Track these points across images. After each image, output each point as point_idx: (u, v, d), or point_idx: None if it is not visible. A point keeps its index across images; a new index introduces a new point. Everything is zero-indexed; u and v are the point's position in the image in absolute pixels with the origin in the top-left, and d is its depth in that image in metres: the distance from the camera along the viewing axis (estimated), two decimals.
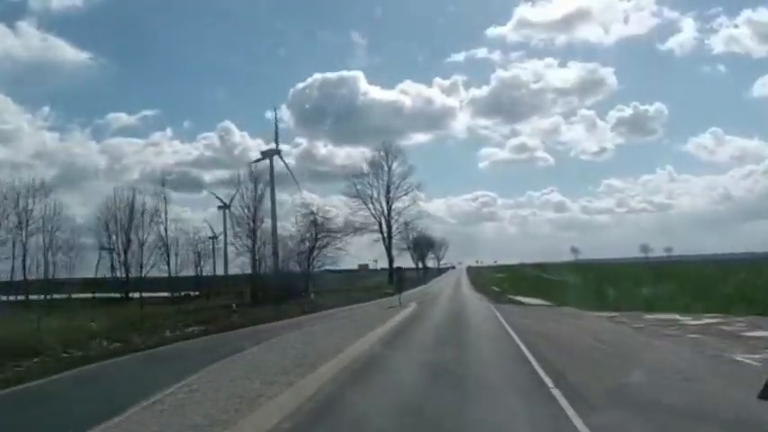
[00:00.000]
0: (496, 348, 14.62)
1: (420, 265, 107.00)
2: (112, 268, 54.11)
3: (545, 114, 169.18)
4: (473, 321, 24.82)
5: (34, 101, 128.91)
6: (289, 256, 53.36)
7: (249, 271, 53.25)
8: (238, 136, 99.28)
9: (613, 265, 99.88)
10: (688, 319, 20.19)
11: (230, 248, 56.52)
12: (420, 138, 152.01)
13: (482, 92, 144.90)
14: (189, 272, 59.11)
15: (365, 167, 70.06)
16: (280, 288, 46.86)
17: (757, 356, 11.60)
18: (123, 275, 54.26)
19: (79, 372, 14.00)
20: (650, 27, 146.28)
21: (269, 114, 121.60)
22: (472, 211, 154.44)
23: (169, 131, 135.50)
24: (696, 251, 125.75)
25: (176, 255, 55.29)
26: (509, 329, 18.45)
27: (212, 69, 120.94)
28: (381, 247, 71.50)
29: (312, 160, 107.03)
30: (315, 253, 53.30)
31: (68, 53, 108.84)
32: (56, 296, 51.59)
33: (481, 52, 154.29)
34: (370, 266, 77.24)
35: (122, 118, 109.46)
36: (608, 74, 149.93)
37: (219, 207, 57.94)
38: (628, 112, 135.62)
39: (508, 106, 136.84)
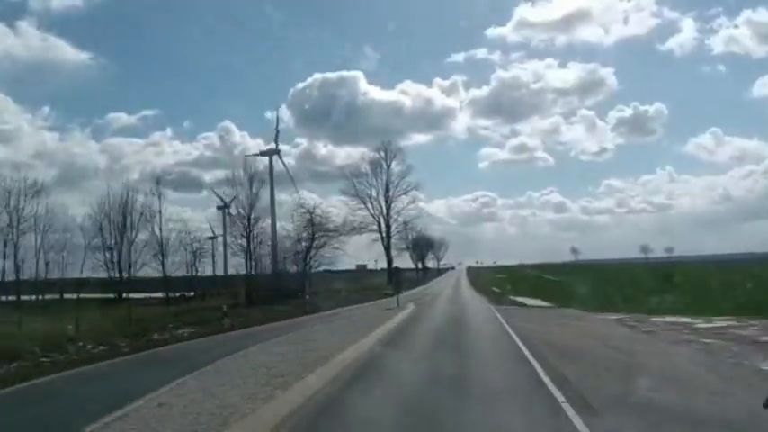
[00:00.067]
0: (499, 356, 13.57)
1: (419, 266, 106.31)
2: (107, 268, 53.05)
3: (545, 115, 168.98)
4: (473, 323, 23.96)
5: (34, 101, 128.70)
6: (285, 255, 52.41)
7: (250, 271, 52.34)
8: (238, 136, 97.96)
9: (614, 266, 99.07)
10: (699, 323, 19.27)
11: (228, 249, 55.75)
12: (420, 138, 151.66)
13: (482, 92, 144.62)
14: (187, 272, 58.45)
15: (364, 167, 69.12)
16: (275, 289, 45.89)
17: None
18: (117, 276, 53.22)
19: (51, 380, 13.03)
20: (650, 27, 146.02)
21: (269, 114, 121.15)
22: (472, 211, 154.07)
23: (169, 131, 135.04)
24: (696, 251, 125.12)
25: (170, 255, 54.58)
26: (512, 333, 17.49)
27: (212, 69, 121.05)
28: (380, 248, 70.62)
29: (312, 160, 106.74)
30: (312, 253, 52.27)
31: (68, 53, 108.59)
32: (48, 296, 50.82)
33: (481, 53, 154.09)
34: (370, 267, 76.54)
35: (122, 118, 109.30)
36: (608, 74, 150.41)
37: (219, 207, 57.03)
38: (628, 112, 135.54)
39: (508, 107, 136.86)
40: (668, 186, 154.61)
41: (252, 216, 50.62)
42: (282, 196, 60.83)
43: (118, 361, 16.23)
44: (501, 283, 72.21)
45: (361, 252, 79.20)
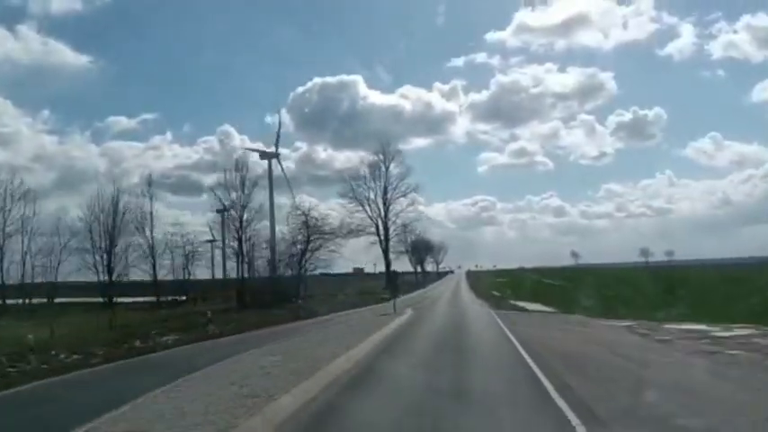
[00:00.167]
0: (503, 370, 12.08)
1: (418, 269, 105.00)
2: (96, 271, 51.56)
3: (544, 119, 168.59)
4: (473, 330, 22.70)
5: (34, 104, 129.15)
6: (280, 259, 50.97)
7: (242, 275, 50.86)
8: (238, 140, 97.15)
9: (614, 270, 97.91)
10: (717, 331, 17.92)
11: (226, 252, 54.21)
12: (420, 142, 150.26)
13: (482, 96, 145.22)
14: (180, 276, 57.02)
15: (363, 170, 67.73)
16: (269, 292, 44.47)
17: None
18: (107, 279, 51.73)
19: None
20: (649, 32, 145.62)
21: (269, 118, 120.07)
22: (471, 215, 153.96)
23: (169, 135, 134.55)
24: (695, 256, 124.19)
25: (162, 258, 53.15)
26: (515, 342, 16.12)
27: (212, 73, 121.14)
28: (378, 251, 69.20)
29: (312, 164, 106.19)
30: (307, 255, 50.86)
31: (68, 56, 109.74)
32: (36, 300, 49.36)
33: (481, 57, 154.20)
34: (369, 270, 75.27)
35: (122, 121, 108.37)
36: (607, 79, 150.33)
37: (218, 210, 55.68)
38: (627, 116, 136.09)
39: (508, 111, 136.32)
40: (668, 190, 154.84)
41: (245, 218, 49.17)
42: (281, 200, 59.80)
43: (85, 373, 14.85)
44: (501, 287, 70.97)
45: (359, 255, 78.00)
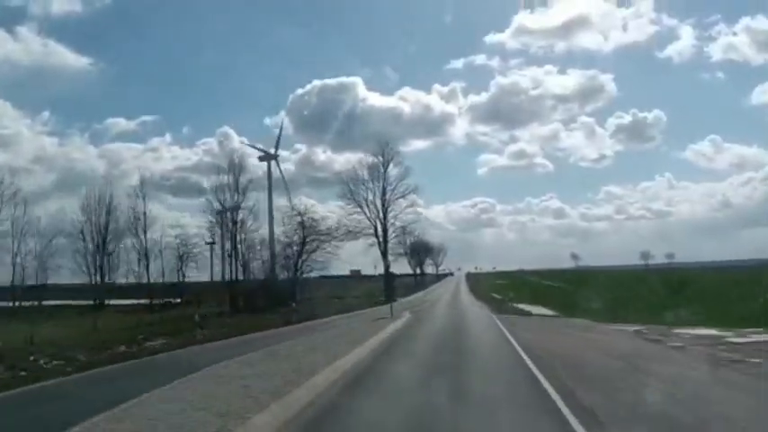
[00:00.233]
0: (508, 386, 10.78)
1: (418, 272, 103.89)
2: (88, 273, 50.52)
3: (544, 121, 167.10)
4: (473, 334, 21.77)
5: (34, 106, 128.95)
6: (275, 261, 49.89)
7: (235, 277, 49.81)
8: (237, 142, 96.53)
9: (615, 272, 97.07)
10: (731, 336, 16.96)
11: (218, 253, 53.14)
12: (419, 144, 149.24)
13: (481, 98, 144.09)
14: (175, 278, 55.91)
15: (362, 172, 66.61)
16: (263, 296, 43.41)
17: None
18: (99, 281, 50.70)
19: None
20: (649, 34, 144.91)
21: (268, 120, 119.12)
22: (471, 217, 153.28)
23: (168, 137, 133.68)
24: (695, 258, 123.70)
25: (156, 260, 52.10)
26: (519, 348, 15.11)
27: (211, 75, 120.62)
28: (377, 252, 68.05)
29: (311, 166, 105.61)
30: (303, 257, 49.75)
31: (68, 58, 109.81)
32: (26, 303, 48.29)
33: (480, 59, 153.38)
34: (369, 272, 74.23)
35: (121, 123, 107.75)
36: (607, 81, 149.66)
37: (218, 212, 54.72)
38: (627, 119, 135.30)
39: (507, 113, 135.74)
40: (667, 193, 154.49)
41: (239, 219, 48.13)
42: (279, 202, 58.90)
43: (62, 381, 13.86)
44: (501, 289, 70.02)
45: (357, 257, 76.86)
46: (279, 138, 58.76)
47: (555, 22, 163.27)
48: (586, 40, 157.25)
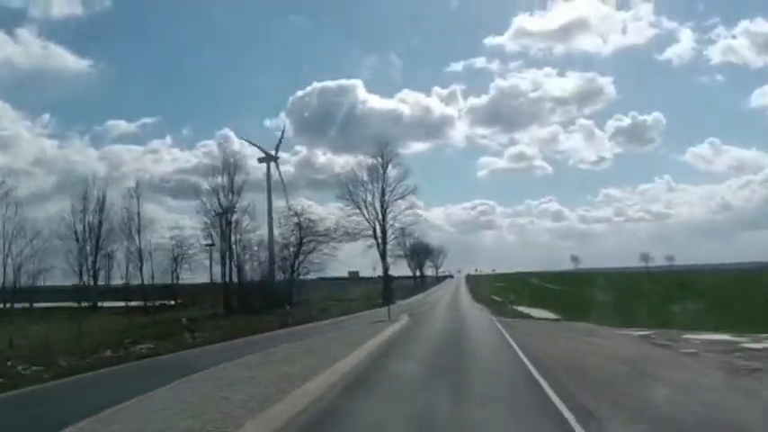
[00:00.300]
0: (508, 389, 10.21)
1: (417, 274, 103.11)
2: (80, 275, 49.71)
3: (543, 123, 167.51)
4: (473, 334, 21.37)
5: (34, 108, 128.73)
6: (272, 261, 49.03)
7: (229, 278, 48.90)
8: (237, 144, 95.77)
9: (615, 274, 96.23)
10: (746, 342, 16.10)
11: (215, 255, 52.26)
12: (419, 147, 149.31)
13: (481, 101, 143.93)
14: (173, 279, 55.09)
15: (361, 173, 65.80)
16: (259, 297, 42.56)
17: None
18: (92, 283, 49.90)
19: None
20: (648, 37, 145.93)
21: (268, 122, 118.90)
22: (471, 219, 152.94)
23: (168, 139, 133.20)
24: (695, 260, 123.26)
25: (152, 261, 51.28)
26: (522, 355, 14.26)
27: (211, 77, 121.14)
28: (376, 254, 67.20)
29: (311, 168, 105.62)
30: (300, 258, 48.90)
31: (69, 60, 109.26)
32: (18, 305, 47.45)
33: (480, 62, 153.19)
34: (368, 274, 73.35)
35: (121, 125, 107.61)
36: (606, 83, 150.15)
37: (218, 213, 53.97)
38: (626, 121, 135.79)
39: (507, 115, 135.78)
40: (666, 195, 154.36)
41: (234, 219, 47.24)
42: (278, 203, 58.19)
43: (30, 391, 13.03)
44: (501, 291, 69.24)
45: (355, 259, 76.09)
46: (280, 140, 58.72)
47: (554, 24, 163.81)
48: (586, 43, 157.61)
